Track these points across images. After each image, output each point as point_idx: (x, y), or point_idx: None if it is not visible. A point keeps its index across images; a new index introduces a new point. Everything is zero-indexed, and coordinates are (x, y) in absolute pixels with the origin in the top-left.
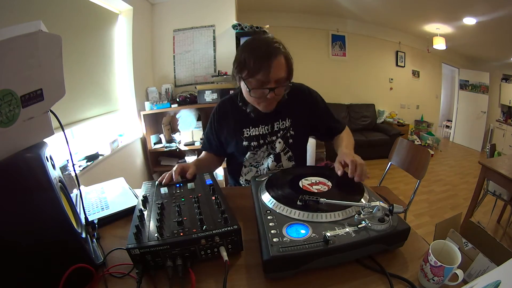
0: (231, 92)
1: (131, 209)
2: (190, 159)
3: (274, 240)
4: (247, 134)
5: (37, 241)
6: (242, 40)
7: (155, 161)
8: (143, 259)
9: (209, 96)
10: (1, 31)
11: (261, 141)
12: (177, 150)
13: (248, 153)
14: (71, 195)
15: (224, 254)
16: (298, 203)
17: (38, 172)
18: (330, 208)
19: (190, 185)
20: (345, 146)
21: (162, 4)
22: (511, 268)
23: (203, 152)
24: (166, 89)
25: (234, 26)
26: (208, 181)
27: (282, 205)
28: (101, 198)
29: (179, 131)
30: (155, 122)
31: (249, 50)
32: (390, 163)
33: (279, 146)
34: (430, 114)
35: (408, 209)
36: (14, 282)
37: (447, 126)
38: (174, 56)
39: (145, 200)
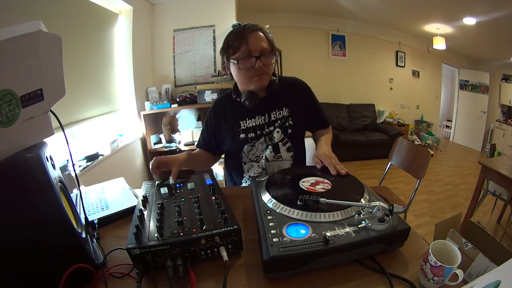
0: None
1: (131, 209)
2: None
3: (274, 240)
4: (244, 126)
5: (37, 241)
6: None
7: None
8: (143, 259)
9: (209, 96)
10: (1, 31)
11: (258, 132)
12: (177, 150)
13: (246, 146)
14: (71, 195)
15: (224, 254)
16: (298, 203)
17: (38, 172)
18: (330, 208)
19: (190, 185)
20: (323, 141)
21: (162, 4)
22: (511, 268)
23: (197, 149)
24: (166, 89)
25: (234, 26)
26: (208, 181)
27: (282, 205)
28: (101, 198)
29: (179, 131)
30: (155, 122)
31: (229, 34)
32: (390, 163)
33: (277, 135)
34: (430, 114)
35: (408, 209)
36: (14, 282)
37: (447, 126)
38: (174, 56)
39: (145, 200)
